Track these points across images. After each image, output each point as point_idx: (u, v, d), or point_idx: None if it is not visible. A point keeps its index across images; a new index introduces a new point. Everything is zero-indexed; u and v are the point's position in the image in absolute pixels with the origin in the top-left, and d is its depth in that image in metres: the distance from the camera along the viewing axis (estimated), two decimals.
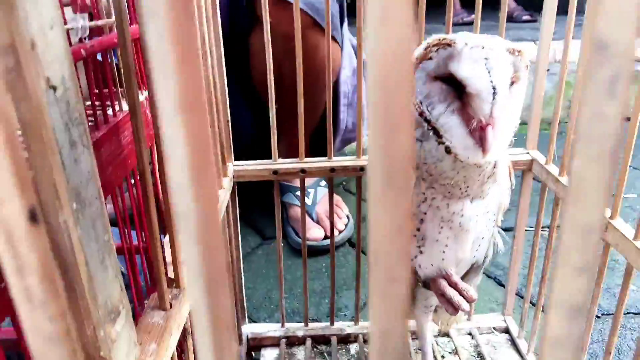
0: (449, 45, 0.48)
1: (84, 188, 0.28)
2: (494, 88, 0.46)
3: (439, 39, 0.49)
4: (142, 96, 0.51)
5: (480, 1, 0.66)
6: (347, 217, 1.26)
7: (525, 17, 2.70)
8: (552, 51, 0.70)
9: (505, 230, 0.63)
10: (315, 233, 1.16)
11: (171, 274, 0.46)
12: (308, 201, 1.25)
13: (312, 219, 1.22)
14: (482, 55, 0.47)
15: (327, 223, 1.20)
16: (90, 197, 0.29)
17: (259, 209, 1.34)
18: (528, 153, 0.71)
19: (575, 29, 0.62)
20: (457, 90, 0.49)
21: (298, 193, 1.27)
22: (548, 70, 0.72)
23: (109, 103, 0.45)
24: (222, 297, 0.14)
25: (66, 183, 0.25)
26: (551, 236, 0.69)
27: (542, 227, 0.74)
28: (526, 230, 0.80)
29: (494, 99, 0.47)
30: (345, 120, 1.29)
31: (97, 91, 0.43)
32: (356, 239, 0.79)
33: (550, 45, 0.67)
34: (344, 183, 1.52)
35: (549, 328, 0.13)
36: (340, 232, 1.19)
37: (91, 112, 0.41)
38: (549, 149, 0.67)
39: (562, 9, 0.61)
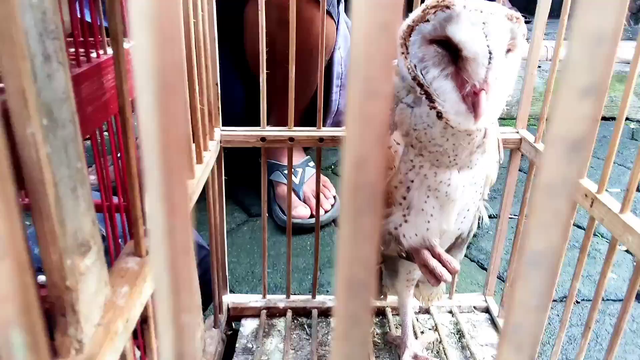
0: (447, 7, 0.47)
1: (57, 108, 0.27)
2: (490, 52, 0.46)
3: (437, 1, 0.47)
4: (129, 44, 0.49)
5: None
6: (334, 197, 1.25)
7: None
8: (544, 49, 0.70)
9: (490, 217, 0.62)
10: (301, 211, 1.15)
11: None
12: (295, 180, 1.24)
13: (299, 198, 1.21)
14: (480, 19, 0.46)
15: (313, 202, 1.19)
16: (64, 120, 0.27)
17: (247, 186, 1.33)
18: (517, 132, 0.71)
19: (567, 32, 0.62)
20: (452, 54, 0.48)
21: (286, 171, 1.26)
22: (539, 67, 0.72)
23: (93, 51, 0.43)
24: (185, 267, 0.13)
25: (36, 95, 0.24)
26: None
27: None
28: (510, 218, 0.80)
29: (489, 63, 0.46)
30: (337, 101, 1.28)
31: (81, 28, 0.41)
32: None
33: (542, 43, 0.67)
34: (333, 166, 1.51)
35: (545, 169, 0.12)
36: (326, 211, 1.19)
37: (73, 50, 0.40)
38: (538, 127, 0.66)
39: (556, 14, 0.60)
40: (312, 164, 1.32)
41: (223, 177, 0.72)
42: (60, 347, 0.30)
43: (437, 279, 0.57)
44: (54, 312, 0.29)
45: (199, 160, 0.58)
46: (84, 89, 0.38)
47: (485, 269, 1.00)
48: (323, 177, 1.29)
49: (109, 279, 0.35)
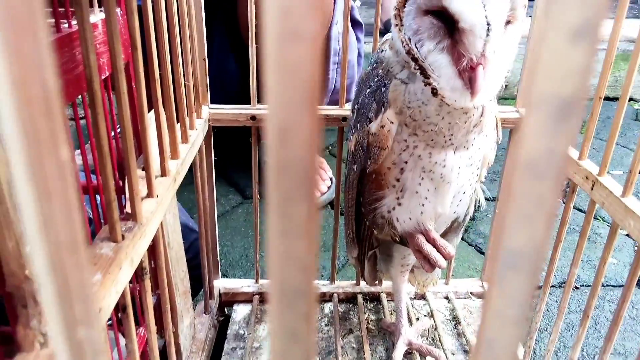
0: None
1: None
2: (488, 24, 0.43)
3: None
4: (97, 17, 0.46)
5: None
6: (331, 179, 1.23)
7: None
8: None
9: (488, 200, 0.60)
10: None
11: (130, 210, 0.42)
12: None
13: None
14: None
15: None
16: None
17: (241, 168, 1.31)
18: (517, 111, 0.68)
19: None
20: (448, 26, 0.45)
21: None
22: None
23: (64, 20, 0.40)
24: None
25: None
26: None
27: None
28: None
29: (487, 35, 0.43)
30: (335, 79, 1.25)
31: None
32: (335, 202, 0.76)
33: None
34: (330, 147, 1.48)
35: (526, 142, 0.10)
36: (322, 193, 1.16)
37: None
38: None
39: None
40: None
41: (212, 157, 0.70)
42: (23, 341, 0.28)
43: (431, 264, 0.55)
44: (13, 304, 0.27)
45: (184, 139, 0.56)
46: None
47: (484, 253, 0.99)
48: (319, 158, 1.27)
49: None
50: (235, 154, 1.25)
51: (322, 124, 0.10)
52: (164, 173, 0.49)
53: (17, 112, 0.09)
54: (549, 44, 0.09)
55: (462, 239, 1.02)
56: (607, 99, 1.69)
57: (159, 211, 0.46)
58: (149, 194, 0.46)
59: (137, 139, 0.47)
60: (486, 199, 0.60)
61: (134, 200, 0.41)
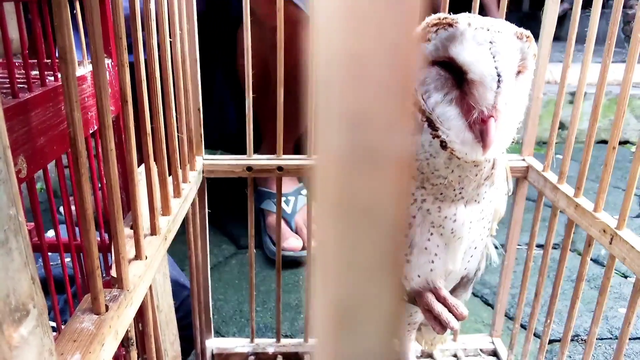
0: (450, 25, 0.42)
1: None
2: (498, 75, 0.41)
3: (439, 18, 0.43)
4: (86, 69, 0.44)
5: None
6: None
7: None
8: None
9: (496, 248, 0.57)
10: (292, 243, 1.09)
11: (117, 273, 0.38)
12: (287, 209, 1.18)
13: (291, 229, 1.15)
14: (486, 38, 0.41)
15: (307, 233, 1.13)
16: None
17: (235, 216, 1.27)
18: (524, 159, 0.66)
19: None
20: (457, 77, 0.43)
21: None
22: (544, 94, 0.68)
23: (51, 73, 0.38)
24: None
25: None
26: (547, 250, 0.63)
27: (535, 246, 0.68)
28: (517, 247, 0.74)
29: (498, 87, 0.41)
30: None
31: (36, 48, 0.36)
32: None
33: (547, 65, 0.63)
34: None
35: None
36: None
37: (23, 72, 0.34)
38: (546, 154, 0.61)
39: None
40: (305, 192, 1.26)
41: (206, 210, 0.67)
42: None
43: (442, 326, 0.51)
44: None
45: (177, 193, 0.52)
46: (34, 117, 0.33)
47: (490, 305, 0.94)
48: None
49: (55, 346, 0.29)
50: (228, 201, 1.22)
51: None
52: (154, 231, 0.45)
53: None
54: None
55: None
56: (604, 142, 1.70)
57: (147, 274, 0.42)
58: (137, 256, 0.42)
59: (126, 195, 0.44)
60: (495, 246, 0.57)
61: (120, 264, 0.37)
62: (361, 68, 0.10)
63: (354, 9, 0.09)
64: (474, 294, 0.98)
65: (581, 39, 0.56)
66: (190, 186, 0.56)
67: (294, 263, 1.07)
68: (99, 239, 0.52)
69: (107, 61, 0.46)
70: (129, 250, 0.42)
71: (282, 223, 1.17)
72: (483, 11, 0.61)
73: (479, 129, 0.42)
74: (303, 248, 1.09)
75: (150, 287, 0.46)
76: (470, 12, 0.61)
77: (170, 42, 0.48)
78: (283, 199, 1.23)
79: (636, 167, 0.45)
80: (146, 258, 0.42)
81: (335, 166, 0.10)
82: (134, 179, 0.38)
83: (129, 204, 0.42)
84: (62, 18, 0.26)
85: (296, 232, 1.14)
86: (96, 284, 0.33)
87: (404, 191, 0.10)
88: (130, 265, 0.41)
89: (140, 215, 0.41)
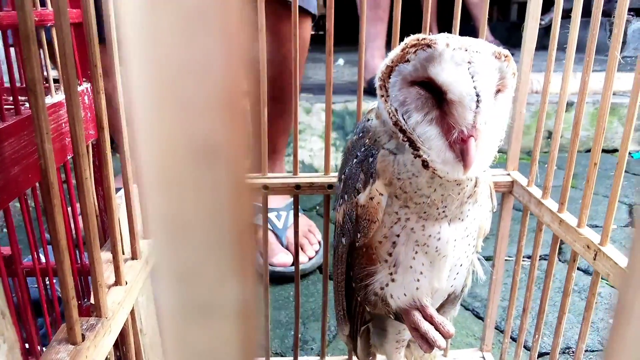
0: (429, 46, 0.43)
1: None
2: (477, 95, 0.41)
3: (418, 39, 0.43)
4: (59, 97, 0.44)
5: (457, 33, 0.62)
6: (319, 243, 1.19)
7: None
8: (530, 81, 0.67)
9: (484, 259, 0.57)
10: (282, 258, 1.08)
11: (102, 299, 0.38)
12: (278, 224, 1.18)
13: (282, 244, 1.14)
14: (465, 58, 0.42)
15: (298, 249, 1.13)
16: None
17: None
18: (508, 174, 0.66)
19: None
20: (436, 97, 0.43)
21: (270, 215, 1.20)
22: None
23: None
24: None
25: None
26: (533, 265, 0.63)
27: (524, 257, 0.68)
28: (506, 260, 0.74)
29: (477, 107, 0.41)
30: None
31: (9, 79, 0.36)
32: (324, 267, 0.72)
33: (529, 78, 0.64)
34: (318, 207, 1.45)
35: None
36: (310, 258, 1.12)
37: None
38: (530, 170, 0.62)
39: (539, 44, 0.59)
40: None
41: None
42: None
43: (429, 344, 0.51)
44: None
45: None
46: (7, 147, 0.33)
47: (481, 318, 0.94)
48: (308, 221, 1.23)
49: None
50: None
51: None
52: (135, 255, 0.45)
53: None
54: None
55: None
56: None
57: (128, 300, 0.42)
58: (117, 282, 0.41)
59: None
60: (481, 262, 0.57)
61: (98, 292, 0.37)
62: (184, 230, 0.10)
63: (173, 178, 0.10)
64: (465, 307, 0.97)
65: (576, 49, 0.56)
66: None
67: (284, 279, 1.06)
68: (79, 263, 0.52)
69: (87, 85, 0.45)
70: (109, 275, 0.42)
71: (273, 238, 1.17)
72: (471, 22, 0.62)
73: (460, 149, 0.42)
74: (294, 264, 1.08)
75: (133, 312, 0.45)
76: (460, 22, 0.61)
77: None
78: (274, 213, 1.22)
79: (617, 181, 0.45)
80: (126, 283, 0.41)
81: (171, 321, 0.10)
82: (111, 205, 0.38)
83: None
84: (31, 51, 0.26)
85: (287, 248, 1.13)
86: (71, 313, 0.32)
87: (249, 339, 0.10)
88: (109, 291, 0.40)
89: (120, 240, 0.41)
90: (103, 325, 0.36)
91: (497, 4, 3.33)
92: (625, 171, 1.75)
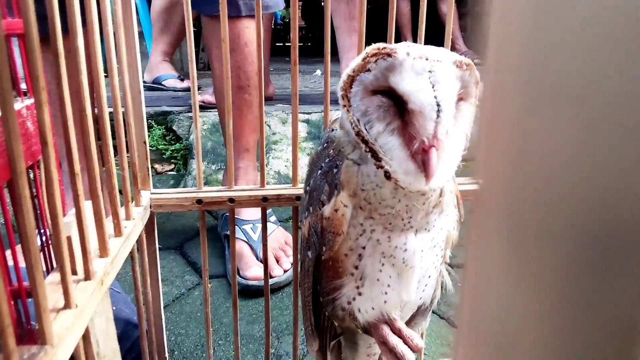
0: (389, 55, 0.42)
1: None
2: (438, 105, 0.41)
3: (378, 48, 0.43)
4: (22, 104, 0.42)
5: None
6: None
7: (476, 61, 2.78)
8: None
9: (458, 267, 0.56)
10: (256, 271, 1.06)
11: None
12: (254, 236, 1.16)
13: (257, 257, 1.12)
14: (425, 67, 0.41)
15: (272, 261, 1.11)
16: None
17: (199, 245, 1.24)
18: (477, 182, 0.66)
19: None
20: (398, 106, 0.43)
21: (245, 227, 1.18)
22: None
23: None
24: None
25: None
26: None
27: None
28: None
29: (438, 117, 0.41)
30: None
31: None
32: (294, 282, 0.71)
33: None
34: (289, 219, 1.43)
35: None
36: (285, 271, 1.10)
37: None
38: None
39: None
40: (273, 218, 1.24)
41: (156, 246, 0.64)
42: None
43: (398, 358, 0.49)
44: None
45: (118, 232, 0.50)
46: None
47: (456, 327, 0.93)
48: (284, 233, 1.21)
49: None
50: (190, 230, 1.19)
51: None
52: (88, 276, 0.43)
53: None
54: None
55: (432, 311, 0.97)
56: None
57: (78, 324, 0.39)
58: (66, 305, 0.39)
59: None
60: (455, 265, 0.56)
61: (42, 318, 0.35)
62: None
63: None
64: (439, 316, 0.97)
65: None
66: (135, 223, 0.54)
67: (258, 293, 1.04)
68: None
69: (27, 101, 0.43)
70: (58, 298, 0.40)
71: (248, 251, 1.14)
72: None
73: (421, 159, 0.41)
74: (271, 277, 1.06)
75: (87, 335, 0.43)
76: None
77: (106, 75, 0.47)
78: (249, 225, 1.20)
79: None
80: (76, 307, 0.39)
81: None
82: (57, 224, 0.36)
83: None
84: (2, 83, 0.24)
85: (262, 261, 1.11)
86: (7, 343, 0.30)
87: None
88: (57, 316, 0.38)
89: (68, 260, 0.38)
90: (47, 353, 0.34)
91: (471, 15, 3.39)
92: None
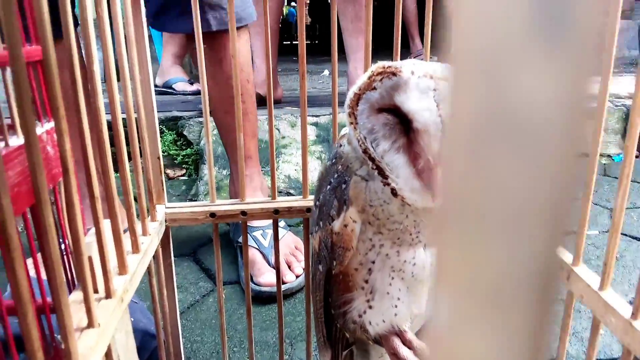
0: (394, 74, 0.43)
1: None
2: (443, 123, 0.42)
3: (383, 67, 0.44)
4: (42, 128, 0.44)
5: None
6: None
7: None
8: None
9: None
10: (269, 278, 1.08)
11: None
12: (265, 242, 1.17)
13: (269, 263, 1.14)
14: (430, 85, 0.42)
15: (285, 267, 1.12)
16: None
17: (213, 252, 1.26)
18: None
19: None
20: (403, 124, 0.44)
21: (255, 234, 1.19)
22: None
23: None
24: None
25: None
26: None
27: None
28: None
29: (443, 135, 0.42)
30: None
31: None
32: (305, 285, 0.72)
33: None
34: (298, 225, 1.45)
35: None
36: (297, 276, 1.11)
37: None
38: None
39: None
40: (282, 224, 1.26)
41: (172, 259, 0.66)
42: None
43: None
44: None
45: (135, 249, 0.52)
46: None
47: None
48: (295, 238, 1.23)
49: None
50: (203, 236, 1.21)
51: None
52: (108, 294, 0.45)
53: None
54: None
55: None
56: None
57: (101, 343, 0.41)
58: (90, 324, 0.41)
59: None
60: None
61: (68, 339, 0.36)
62: None
63: None
64: None
65: None
66: (151, 238, 0.56)
67: (271, 299, 1.05)
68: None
69: (47, 126, 0.45)
70: (82, 317, 0.41)
71: (259, 257, 1.16)
72: None
73: (427, 177, 0.42)
74: (283, 282, 1.07)
75: (109, 353, 0.45)
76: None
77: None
78: (260, 232, 1.22)
79: (586, 206, 0.46)
80: (99, 326, 0.41)
81: None
82: (79, 247, 0.38)
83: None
84: (25, 107, 0.26)
85: (274, 267, 1.13)
86: None
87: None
88: (81, 335, 0.40)
89: (90, 280, 0.40)
90: None
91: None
92: (607, 175, 1.76)
